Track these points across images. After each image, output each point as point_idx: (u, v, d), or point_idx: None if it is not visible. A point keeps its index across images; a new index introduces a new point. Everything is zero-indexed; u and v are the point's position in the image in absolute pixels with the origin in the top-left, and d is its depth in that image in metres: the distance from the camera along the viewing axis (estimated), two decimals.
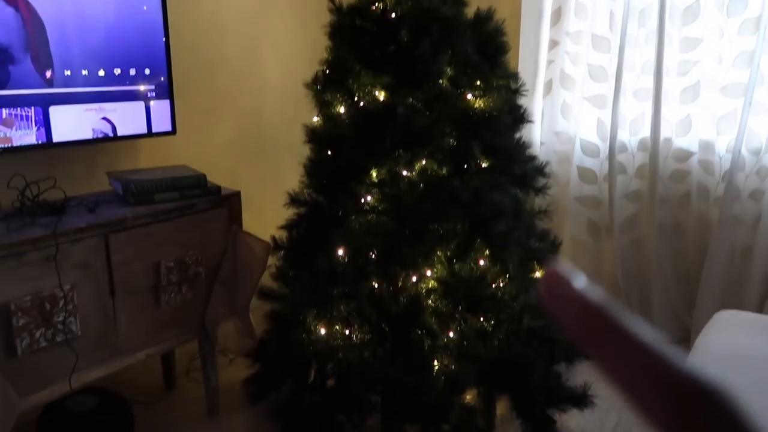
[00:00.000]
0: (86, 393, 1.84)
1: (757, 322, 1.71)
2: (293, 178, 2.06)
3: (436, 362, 1.80)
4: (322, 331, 1.87)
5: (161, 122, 2.10)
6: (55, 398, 1.64)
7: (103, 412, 1.84)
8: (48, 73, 1.82)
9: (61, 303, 1.58)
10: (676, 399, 0.15)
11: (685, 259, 2.59)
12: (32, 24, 1.76)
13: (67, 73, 1.85)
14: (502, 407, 2.00)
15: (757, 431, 0.15)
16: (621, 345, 0.16)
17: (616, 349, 0.16)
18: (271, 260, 1.99)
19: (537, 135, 2.74)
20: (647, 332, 0.16)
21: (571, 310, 0.17)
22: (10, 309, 1.48)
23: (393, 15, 1.86)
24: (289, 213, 2.02)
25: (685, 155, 2.52)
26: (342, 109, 1.96)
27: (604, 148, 2.64)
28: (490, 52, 1.94)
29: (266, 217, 2.48)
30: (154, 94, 2.07)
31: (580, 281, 0.17)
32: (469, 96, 1.86)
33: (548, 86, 2.72)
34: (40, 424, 1.81)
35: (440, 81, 1.87)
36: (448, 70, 1.88)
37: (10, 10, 1.72)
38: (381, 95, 1.88)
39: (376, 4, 1.89)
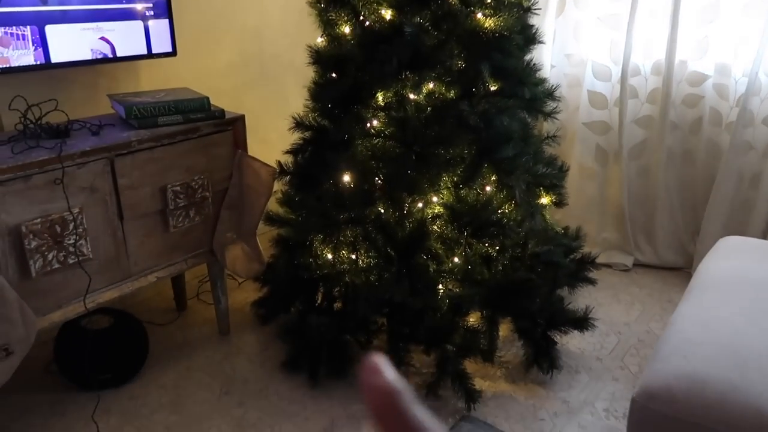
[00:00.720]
0: (101, 313, 1.90)
1: (760, 248, 1.72)
2: (298, 102, 2.02)
3: (440, 286, 1.83)
4: (329, 256, 1.90)
5: (161, 43, 2.04)
6: (70, 318, 1.69)
7: (117, 331, 1.90)
8: None
9: (71, 226, 1.59)
10: None
11: (693, 186, 2.58)
12: None
13: None
14: (504, 329, 2.06)
15: None
16: (401, 425, 0.20)
17: (397, 426, 0.20)
18: (277, 185, 1.99)
19: (548, 57, 2.66)
20: (430, 422, 0.20)
21: (373, 392, 0.20)
22: (22, 231, 1.50)
23: None
24: (294, 137, 2.00)
25: (699, 79, 2.45)
26: (347, 29, 1.89)
27: (616, 72, 2.57)
28: None
29: (271, 141, 2.45)
30: (152, 13, 2.00)
31: (389, 373, 0.21)
32: (479, 14, 1.79)
33: (561, 5, 2.61)
34: (57, 343, 1.88)
35: None
36: None
37: None
38: (387, 14, 1.81)
39: None
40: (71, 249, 1.60)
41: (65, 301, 1.66)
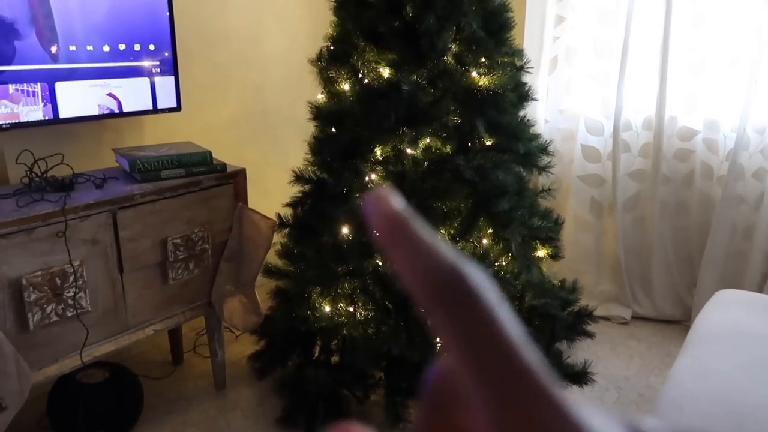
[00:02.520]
0: (96, 367, 1.88)
1: (756, 301, 1.73)
2: (298, 156, 2.07)
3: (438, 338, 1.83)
4: (327, 308, 1.90)
5: (166, 98, 2.10)
6: (66, 372, 1.68)
7: (113, 385, 1.88)
8: (53, 49, 1.81)
9: (71, 278, 1.60)
10: (429, 284, 0.18)
11: (687, 237, 2.61)
12: None
13: (72, 48, 1.85)
14: None
15: (495, 313, 0.18)
16: (412, 247, 0.19)
17: (407, 250, 0.19)
18: (277, 237, 2.01)
19: (542, 112, 2.73)
20: (433, 236, 0.19)
21: (381, 220, 0.19)
22: (22, 284, 1.51)
23: None
24: (294, 190, 2.03)
25: (689, 134, 2.51)
26: (346, 86, 1.96)
27: (608, 127, 2.64)
28: (495, 28, 1.93)
29: (271, 194, 2.49)
30: (158, 70, 2.07)
31: (396, 200, 0.20)
32: (474, 73, 1.86)
33: (553, 63, 2.70)
34: (52, 397, 1.86)
35: (445, 58, 1.86)
36: (453, 46, 1.87)
37: None
38: (385, 72, 1.88)
39: None
40: (70, 302, 1.61)
41: (62, 354, 1.65)
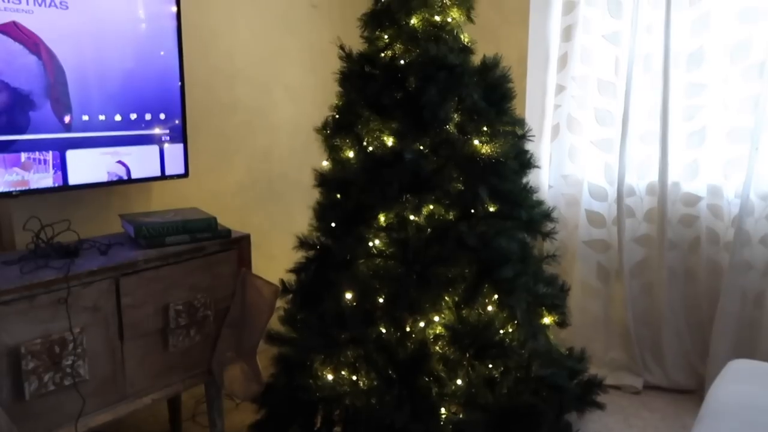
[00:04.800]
0: None
1: None
2: (303, 221, 2.08)
3: (443, 410, 1.78)
4: (329, 377, 1.86)
5: (174, 165, 2.14)
6: None
7: None
8: (67, 118, 1.87)
9: (71, 346, 1.58)
10: None
11: (697, 305, 2.56)
12: (53, 71, 1.83)
13: (85, 118, 1.91)
14: None
15: None
16: None
17: None
18: (280, 303, 2.00)
19: (545, 178, 2.76)
20: None
21: None
22: (20, 352, 1.49)
23: (401, 62, 1.91)
24: (299, 255, 2.03)
25: (693, 200, 2.52)
26: (351, 154, 1.99)
27: (612, 192, 2.65)
28: (496, 98, 1.97)
29: (277, 258, 2.50)
30: (168, 137, 2.12)
31: None
32: (476, 142, 1.89)
33: (555, 130, 2.75)
34: None
35: (447, 127, 1.90)
36: (455, 116, 1.91)
37: (32, 58, 1.78)
38: (389, 141, 1.91)
39: (385, 52, 1.95)
40: (68, 370, 1.58)
41: (56, 425, 1.61)
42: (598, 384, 2.01)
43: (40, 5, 1.77)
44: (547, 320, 1.94)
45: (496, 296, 1.82)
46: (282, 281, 2.02)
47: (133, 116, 2.02)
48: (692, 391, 2.56)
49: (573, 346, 2.11)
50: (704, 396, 1.68)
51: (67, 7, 1.83)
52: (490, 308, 1.84)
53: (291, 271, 2.04)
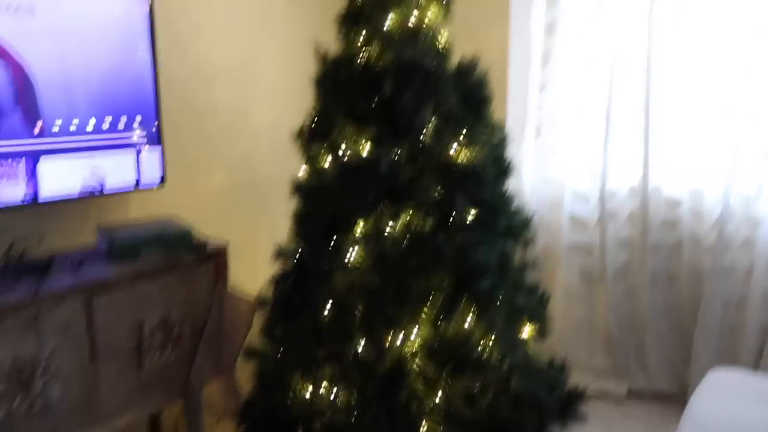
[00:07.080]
0: None
1: (751, 385, 1.68)
2: (286, 226, 2.04)
3: (423, 425, 1.76)
4: (307, 394, 1.84)
5: (151, 172, 2.09)
6: None
7: None
8: (38, 125, 1.81)
9: (41, 369, 1.55)
10: None
11: (680, 308, 2.56)
12: (21, 76, 1.77)
13: (58, 122, 1.84)
14: None
15: None
16: None
17: None
18: (258, 316, 1.96)
19: (527, 181, 2.73)
20: None
21: None
22: None
23: (377, 67, 1.86)
24: (279, 265, 2.00)
25: (675, 203, 2.51)
26: (327, 162, 1.95)
27: (594, 195, 2.63)
28: (474, 102, 1.94)
29: (258, 267, 2.46)
30: (144, 142, 2.06)
31: None
32: (453, 148, 1.86)
33: (537, 131, 2.72)
34: None
35: (423, 134, 1.86)
36: (432, 122, 1.87)
37: None
38: (365, 148, 1.87)
39: (361, 55, 1.90)
40: (39, 394, 1.55)
41: None
42: (579, 395, 2.00)
43: (5, 13, 1.71)
44: (527, 331, 1.92)
45: (474, 309, 1.80)
46: (259, 297, 1.98)
47: (108, 119, 1.95)
48: (677, 396, 2.56)
49: (554, 357, 2.09)
50: (687, 402, 1.67)
51: (33, 12, 1.77)
52: (468, 321, 1.82)
53: (269, 282, 2.01)
